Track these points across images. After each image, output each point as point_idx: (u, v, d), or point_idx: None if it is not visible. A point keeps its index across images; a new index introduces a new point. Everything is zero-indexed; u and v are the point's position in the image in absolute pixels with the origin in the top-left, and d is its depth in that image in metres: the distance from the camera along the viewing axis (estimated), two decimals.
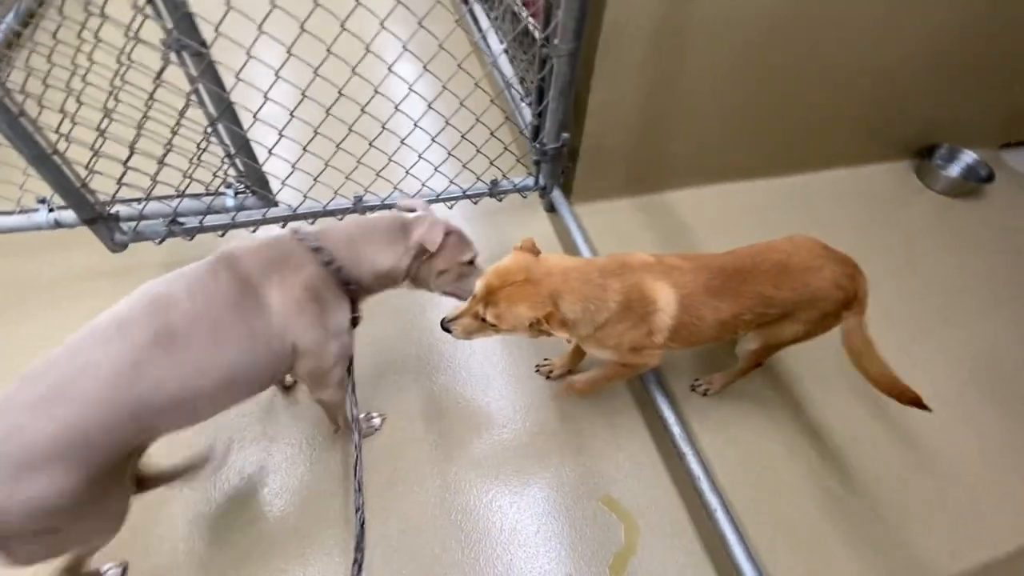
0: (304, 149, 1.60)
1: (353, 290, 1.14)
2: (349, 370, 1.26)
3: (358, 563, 0.93)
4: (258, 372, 1.01)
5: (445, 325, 1.18)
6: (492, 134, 1.83)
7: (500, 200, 2.00)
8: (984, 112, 2.55)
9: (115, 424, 0.85)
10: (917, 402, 1.32)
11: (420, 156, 1.77)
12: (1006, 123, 2.67)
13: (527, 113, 2.03)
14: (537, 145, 1.86)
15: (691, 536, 1.41)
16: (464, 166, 1.85)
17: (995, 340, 1.94)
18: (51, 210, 1.70)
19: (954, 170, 2.55)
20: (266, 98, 1.44)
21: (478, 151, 1.85)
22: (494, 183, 1.94)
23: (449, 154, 1.81)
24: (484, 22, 2.60)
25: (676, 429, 1.46)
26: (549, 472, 1.50)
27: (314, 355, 1.08)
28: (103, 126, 1.44)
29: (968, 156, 2.55)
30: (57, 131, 1.43)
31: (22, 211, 1.71)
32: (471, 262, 1.30)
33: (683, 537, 1.41)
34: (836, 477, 1.54)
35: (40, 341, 1.69)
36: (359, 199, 1.81)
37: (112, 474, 0.90)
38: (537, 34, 1.80)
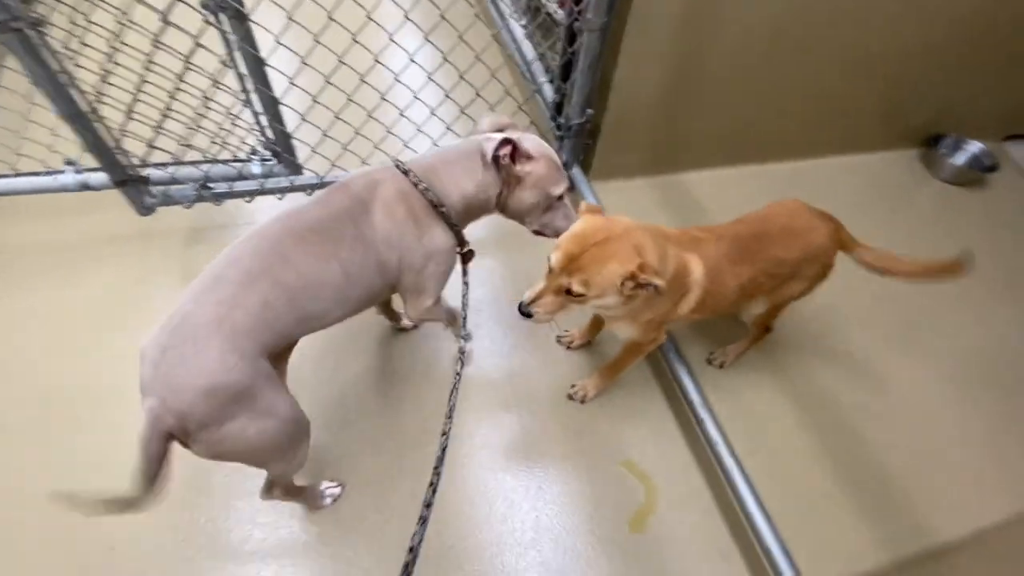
0: (337, 116, 1.62)
1: (446, 213, 1.17)
2: (464, 304, 1.32)
3: (434, 485, 0.99)
4: (369, 275, 1.11)
5: (524, 310, 1.14)
6: (520, 108, 1.86)
7: None
8: (990, 105, 2.60)
9: (258, 303, 0.94)
10: (956, 267, 1.37)
11: (448, 128, 1.80)
12: (1010, 116, 2.73)
13: (547, 91, 2.06)
14: (562, 120, 1.88)
15: (707, 498, 1.48)
16: None
17: (996, 324, 2.02)
18: (78, 172, 1.71)
19: (959, 159, 2.61)
20: (304, 63, 1.46)
21: None
22: None
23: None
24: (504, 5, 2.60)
25: (695, 396, 1.52)
26: (571, 437, 1.56)
27: (413, 271, 1.17)
28: (139, 87, 1.44)
29: (973, 146, 2.61)
30: (96, 92, 1.44)
31: (48, 172, 1.72)
32: (560, 197, 1.28)
33: (699, 498, 1.48)
34: (843, 446, 1.61)
35: (65, 304, 1.72)
36: None
37: (271, 366, 0.98)
38: (558, 15, 1.82)
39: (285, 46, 1.41)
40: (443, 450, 1.04)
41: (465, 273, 1.32)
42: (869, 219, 2.35)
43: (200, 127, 1.57)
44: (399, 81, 1.60)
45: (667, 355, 1.63)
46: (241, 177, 1.76)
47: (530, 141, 1.23)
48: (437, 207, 1.16)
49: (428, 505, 0.97)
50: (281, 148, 1.73)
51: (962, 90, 2.47)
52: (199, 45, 1.37)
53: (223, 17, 1.42)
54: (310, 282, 1.01)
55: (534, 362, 1.71)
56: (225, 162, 1.76)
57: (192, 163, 1.69)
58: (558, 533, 1.39)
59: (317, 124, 1.65)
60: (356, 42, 1.43)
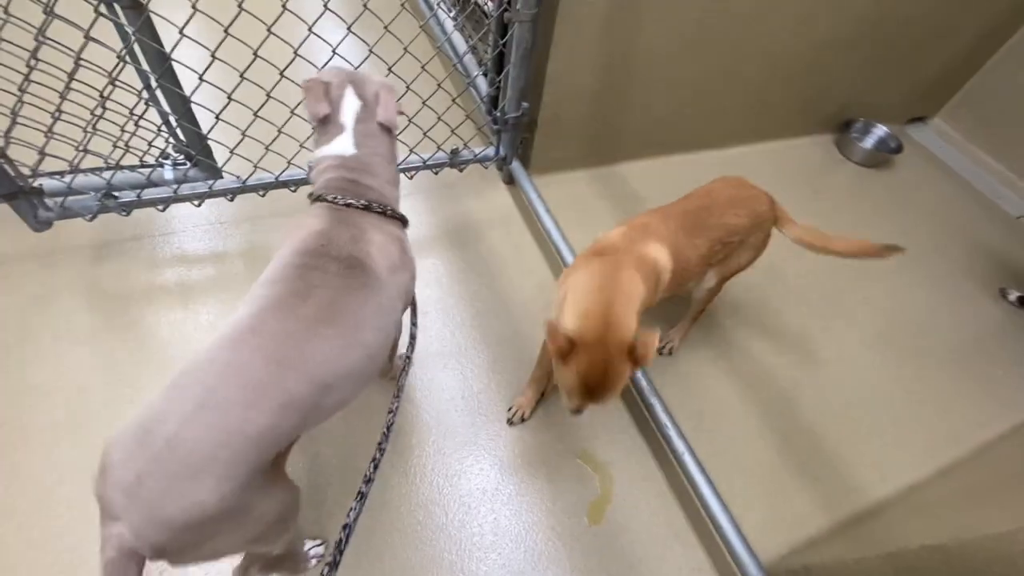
0: (256, 115, 1.51)
1: (406, 219, 1.17)
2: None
3: (376, 461, 0.97)
4: (388, 340, 1.01)
5: (576, 416, 1.14)
6: (454, 100, 1.80)
7: (461, 171, 1.99)
8: (892, 92, 2.81)
9: (267, 424, 0.79)
10: (888, 249, 1.51)
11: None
12: (910, 102, 2.97)
13: (482, 85, 2.02)
14: (497, 114, 1.85)
15: (659, 480, 1.51)
16: (424, 134, 1.81)
17: (907, 290, 2.18)
18: None
19: (868, 143, 2.81)
20: (214, 57, 1.34)
21: (439, 118, 1.81)
22: (455, 152, 1.92)
23: (409, 120, 1.77)
24: None
25: (643, 383, 1.54)
26: (525, 434, 1.54)
27: (411, 291, 1.13)
28: (22, 87, 1.28)
29: (880, 130, 2.81)
30: None
31: None
32: None
33: (653, 482, 1.50)
34: (781, 417, 1.69)
35: None
36: (312, 168, 1.73)
37: (268, 473, 0.83)
38: (488, 6, 1.79)
39: (190, 38, 1.29)
40: (388, 427, 1.00)
41: None
42: (791, 200, 2.45)
43: (98, 130, 1.42)
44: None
45: None
46: (152, 184, 1.61)
47: (380, 83, 1.15)
48: (404, 222, 1.14)
49: (368, 481, 0.91)
50: (195, 150, 1.60)
51: (868, 79, 2.65)
52: (90, 39, 1.23)
53: (117, 7, 1.28)
54: (329, 381, 0.86)
55: (484, 362, 1.68)
56: (131, 168, 1.61)
57: (92, 171, 1.53)
58: (517, 532, 1.37)
59: (235, 124, 1.53)
60: (272, 34, 1.33)
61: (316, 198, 1.07)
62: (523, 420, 1.56)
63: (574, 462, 1.51)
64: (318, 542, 1.26)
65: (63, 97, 1.34)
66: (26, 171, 1.46)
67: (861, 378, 1.85)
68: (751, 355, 1.84)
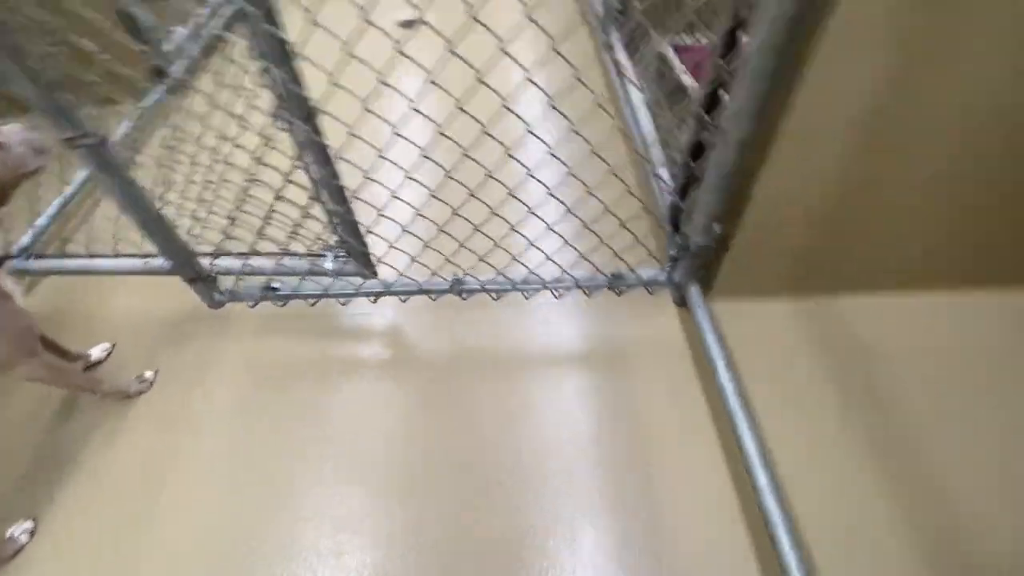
0: (439, 228, 1.41)
1: None
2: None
3: None
4: None
5: None
6: (623, 226, 1.51)
7: (619, 294, 1.66)
8: None
9: None
10: None
11: (556, 250, 1.51)
12: None
13: (666, 199, 1.68)
14: (678, 239, 1.50)
15: None
16: (583, 256, 1.54)
17: None
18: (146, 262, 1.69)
19: None
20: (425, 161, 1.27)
21: (625, 224, 1.52)
22: (616, 276, 1.61)
23: (575, 242, 1.52)
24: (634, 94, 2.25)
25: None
26: None
27: None
28: (211, 193, 1.37)
29: None
30: (161, 196, 1.39)
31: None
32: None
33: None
34: None
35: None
36: (459, 281, 1.60)
37: None
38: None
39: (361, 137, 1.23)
40: None
41: None
42: None
43: (265, 235, 1.46)
44: (512, 196, 1.35)
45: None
46: (313, 272, 1.62)
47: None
48: None
49: None
50: (354, 246, 1.56)
51: None
52: (259, 160, 1.25)
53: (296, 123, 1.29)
54: None
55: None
56: (298, 255, 1.64)
57: (264, 254, 1.58)
58: None
59: (384, 234, 1.46)
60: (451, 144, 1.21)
61: None
62: None
63: None
64: (27, 522, 1.27)
65: (238, 205, 1.39)
66: (206, 263, 1.57)
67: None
68: None
